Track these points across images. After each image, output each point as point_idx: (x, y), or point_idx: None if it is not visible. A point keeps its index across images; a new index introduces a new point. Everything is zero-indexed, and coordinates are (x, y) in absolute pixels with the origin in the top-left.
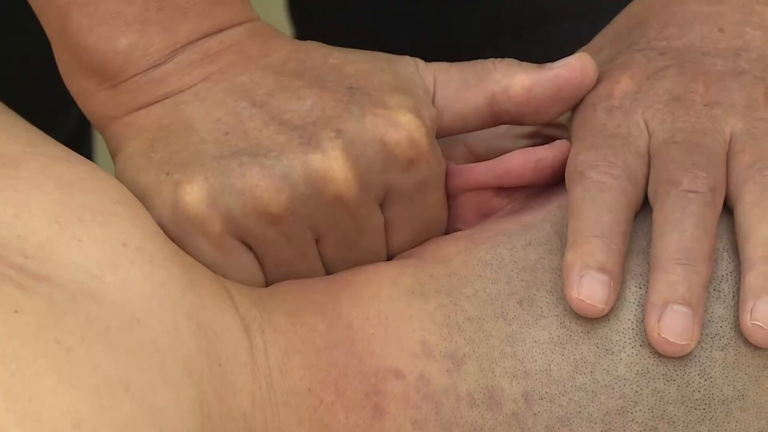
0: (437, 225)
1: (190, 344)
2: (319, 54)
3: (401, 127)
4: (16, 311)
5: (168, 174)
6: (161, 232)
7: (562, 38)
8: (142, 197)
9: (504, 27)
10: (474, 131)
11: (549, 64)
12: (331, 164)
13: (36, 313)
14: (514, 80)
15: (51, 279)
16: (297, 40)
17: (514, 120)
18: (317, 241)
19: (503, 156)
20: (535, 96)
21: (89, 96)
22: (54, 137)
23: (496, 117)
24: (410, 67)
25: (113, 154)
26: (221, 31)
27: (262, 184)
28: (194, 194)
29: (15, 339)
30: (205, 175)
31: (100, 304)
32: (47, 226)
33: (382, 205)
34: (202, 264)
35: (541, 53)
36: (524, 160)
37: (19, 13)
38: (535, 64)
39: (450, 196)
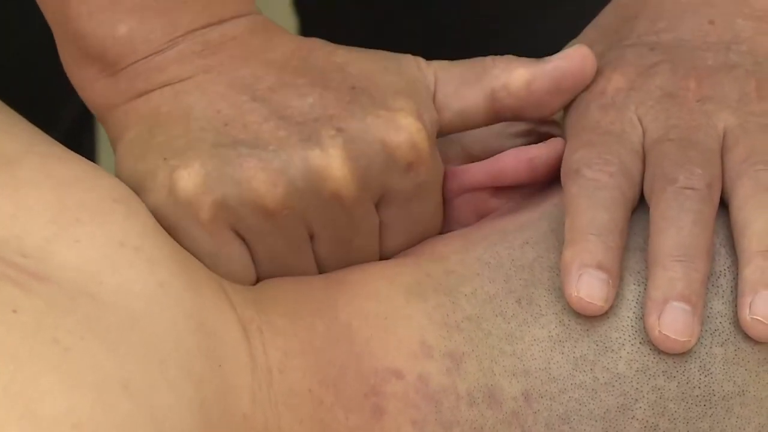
0: (432, 230)
1: (190, 344)
2: (323, 53)
3: (402, 129)
4: (14, 311)
5: (165, 159)
6: (160, 229)
7: (564, 21)
8: (140, 183)
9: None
10: (474, 129)
11: (548, 58)
12: (331, 162)
13: (35, 312)
14: (513, 75)
15: (50, 279)
16: (300, 37)
17: (515, 116)
18: (311, 237)
19: (497, 156)
20: (535, 90)
21: (89, 84)
22: (53, 131)
23: (497, 113)
24: (412, 66)
25: (113, 143)
26: (222, 22)
27: (259, 175)
28: (190, 180)
29: (13, 338)
30: (202, 162)
31: (99, 304)
32: (45, 227)
33: (378, 207)
34: (195, 254)
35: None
36: (517, 159)
37: (18, 8)
38: (533, 59)
39: (447, 199)
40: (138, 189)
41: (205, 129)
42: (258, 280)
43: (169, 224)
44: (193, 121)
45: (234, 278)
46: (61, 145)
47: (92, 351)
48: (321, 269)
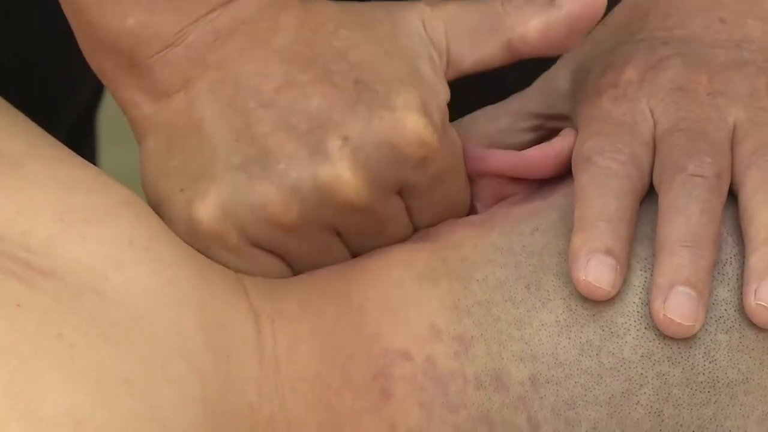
0: (461, 205)
1: (196, 341)
2: (325, 34)
3: (409, 129)
4: (18, 305)
5: (182, 190)
6: (169, 231)
7: None
8: (160, 207)
9: None
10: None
11: (559, 0)
12: (340, 174)
13: (39, 308)
14: (528, 27)
15: (55, 274)
16: (304, 11)
17: (532, 57)
18: (339, 234)
19: (523, 152)
20: (550, 37)
21: (110, 77)
22: (54, 131)
23: (513, 59)
24: (417, 27)
25: (137, 140)
26: (231, 1)
27: (272, 198)
28: (206, 212)
29: (16, 334)
30: (216, 191)
31: (105, 300)
32: (51, 224)
33: (402, 195)
34: (227, 267)
35: None
36: (545, 156)
37: (18, 8)
38: (544, 1)
39: (469, 178)
40: (159, 212)
41: (216, 149)
42: (297, 274)
43: (196, 248)
44: (206, 139)
45: (272, 278)
46: (64, 147)
47: (96, 348)
48: (356, 255)
